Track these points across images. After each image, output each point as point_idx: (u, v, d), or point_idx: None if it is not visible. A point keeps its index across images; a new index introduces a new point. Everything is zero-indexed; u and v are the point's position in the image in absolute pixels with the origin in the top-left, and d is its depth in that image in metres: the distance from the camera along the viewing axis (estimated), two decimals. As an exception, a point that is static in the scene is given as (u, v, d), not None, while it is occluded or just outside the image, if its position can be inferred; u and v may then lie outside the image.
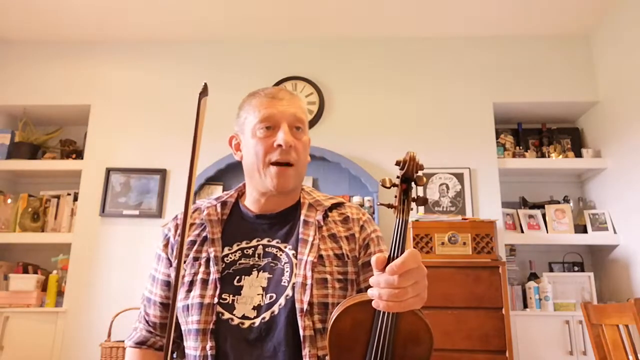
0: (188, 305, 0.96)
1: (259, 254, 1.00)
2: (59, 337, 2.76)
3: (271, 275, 0.97)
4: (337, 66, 3.23)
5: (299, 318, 0.91)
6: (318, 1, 2.93)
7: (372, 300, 0.75)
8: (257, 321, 0.92)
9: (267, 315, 0.93)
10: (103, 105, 3.21)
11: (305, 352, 0.90)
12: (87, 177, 3.07)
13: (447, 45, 3.23)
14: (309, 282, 0.94)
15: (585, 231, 2.91)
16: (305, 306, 0.92)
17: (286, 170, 1.01)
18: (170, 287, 1.05)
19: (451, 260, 2.45)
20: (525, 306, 2.78)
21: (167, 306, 1.05)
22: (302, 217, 1.04)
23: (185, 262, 1.01)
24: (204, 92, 0.71)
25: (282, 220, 1.06)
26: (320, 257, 0.99)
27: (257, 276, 0.97)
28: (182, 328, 0.99)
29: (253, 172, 1.04)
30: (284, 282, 0.96)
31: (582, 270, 3.01)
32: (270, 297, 0.95)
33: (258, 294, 0.95)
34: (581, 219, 2.97)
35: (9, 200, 3.11)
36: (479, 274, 2.40)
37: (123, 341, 2.47)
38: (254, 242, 1.02)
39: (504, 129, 3.26)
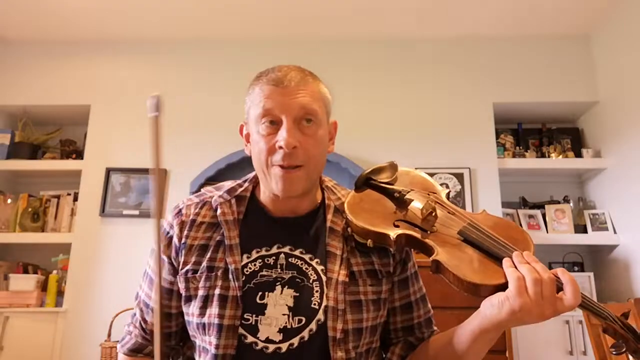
0: (204, 324, 0.85)
1: (281, 265, 0.88)
2: (59, 337, 2.76)
3: (298, 294, 0.86)
4: (337, 66, 3.23)
5: (331, 347, 0.83)
6: (318, 1, 2.93)
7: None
8: (284, 346, 0.83)
9: (295, 341, 0.83)
10: (103, 105, 3.20)
11: None
12: (87, 177, 3.07)
13: (447, 46, 3.22)
14: (341, 306, 0.85)
15: (585, 231, 2.91)
16: (339, 335, 0.83)
17: (292, 173, 0.86)
18: (173, 296, 0.91)
19: (451, 260, 2.44)
20: (525, 306, 2.77)
21: (169, 315, 0.92)
22: (328, 225, 0.92)
23: (197, 271, 0.88)
24: (157, 107, 0.53)
25: (305, 225, 0.93)
26: (352, 274, 0.89)
27: (282, 292, 0.86)
28: (194, 341, 0.89)
29: (259, 171, 0.91)
30: (314, 304, 0.86)
31: (582, 270, 3.00)
32: (299, 321, 0.85)
33: (283, 314, 0.85)
34: (581, 219, 2.96)
35: (9, 200, 3.11)
36: (479, 274, 2.40)
37: (123, 341, 2.47)
38: (274, 250, 0.90)
39: (504, 129, 3.26)
